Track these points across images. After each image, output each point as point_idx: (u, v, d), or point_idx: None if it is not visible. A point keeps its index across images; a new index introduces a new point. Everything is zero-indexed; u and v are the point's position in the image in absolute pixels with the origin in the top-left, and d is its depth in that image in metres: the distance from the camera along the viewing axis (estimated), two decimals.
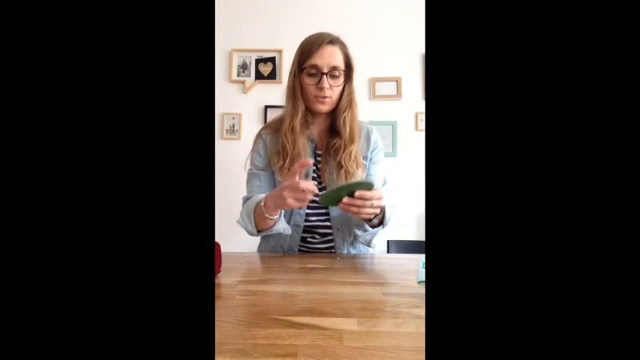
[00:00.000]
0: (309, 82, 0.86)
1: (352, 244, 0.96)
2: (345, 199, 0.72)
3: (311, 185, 0.71)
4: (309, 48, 0.86)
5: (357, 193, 0.71)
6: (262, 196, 0.84)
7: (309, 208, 0.92)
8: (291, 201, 0.72)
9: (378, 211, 0.76)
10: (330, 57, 0.85)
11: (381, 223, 0.86)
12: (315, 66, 0.85)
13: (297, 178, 0.71)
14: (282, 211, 0.84)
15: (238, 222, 0.89)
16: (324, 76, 0.84)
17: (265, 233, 0.87)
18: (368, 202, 0.72)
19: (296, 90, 0.88)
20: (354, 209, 0.72)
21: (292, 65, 0.90)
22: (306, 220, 0.92)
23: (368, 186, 0.73)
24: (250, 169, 0.96)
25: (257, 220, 0.84)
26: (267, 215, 0.79)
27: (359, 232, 0.89)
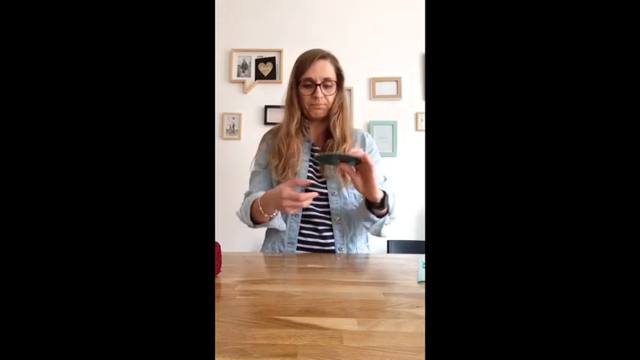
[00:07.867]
0: (305, 92, 0.98)
1: (352, 240, 0.98)
2: (344, 165, 0.79)
3: (303, 195, 0.79)
4: (304, 63, 0.98)
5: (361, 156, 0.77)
6: (260, 193, 0.93)
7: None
8: (289, 209, 0.81)
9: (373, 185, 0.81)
10: (321, 70, 0.97)
11: (387, 212, 0.91)
12: (309, 79, 0.97)
13: (291, 188, 0.80)
14: None
15: (237, 213, 0.98)
16: (318, 87, 0.96)
17: (261, 227, 0.96)
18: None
19: (293, 100, 1.00)
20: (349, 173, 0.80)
21: (290, 79, 1.02)
22: (304, 209, 0.97)
23: (358, 161, 0.79)
24: (254, 168, 1.07)
25: (254, 215, 0.93)
26: (265, 215, 0.90)
27: (367, 225, 0.93)
